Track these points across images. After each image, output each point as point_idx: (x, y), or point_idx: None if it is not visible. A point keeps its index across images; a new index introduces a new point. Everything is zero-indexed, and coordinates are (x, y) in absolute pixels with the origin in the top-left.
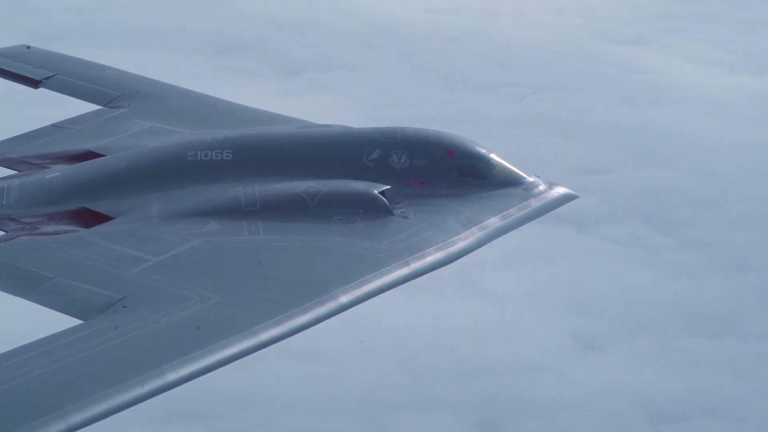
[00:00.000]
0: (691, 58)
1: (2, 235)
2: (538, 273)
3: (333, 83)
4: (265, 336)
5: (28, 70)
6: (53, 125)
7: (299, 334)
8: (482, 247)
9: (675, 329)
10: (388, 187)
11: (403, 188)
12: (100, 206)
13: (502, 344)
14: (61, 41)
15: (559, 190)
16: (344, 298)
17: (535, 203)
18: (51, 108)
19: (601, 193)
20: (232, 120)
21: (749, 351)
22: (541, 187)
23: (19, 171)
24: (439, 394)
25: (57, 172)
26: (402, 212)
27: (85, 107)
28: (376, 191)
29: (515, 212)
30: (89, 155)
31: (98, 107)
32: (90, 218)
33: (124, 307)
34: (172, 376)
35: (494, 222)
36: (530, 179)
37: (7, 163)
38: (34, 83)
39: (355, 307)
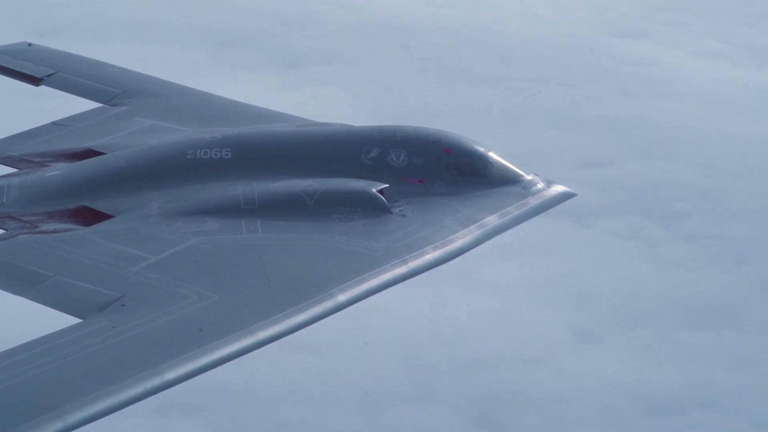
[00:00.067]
0: (692, 52)
1: (2, 234)
2: (537, 266)
3: (333, 77)
4: (263, 335)
5: (29, 67)
6: (54, 123)
7: None
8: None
9: (673, 322)
10: (387, 185)
11: (401, 186)
12: (100, 204)
13: (500, 337)
14: (61, 35)
15: (558, 188)
16: (342, 297)
17: (533, 201)
18: (53, 101)
19: (600, 185)
20: (233, 118)
21: (747, 344)
22: (540, 185)
23: (20, 169)
24: (436, 387)
25: (57, 170)
26: (400, 211)
27: (86, 105)
28: (374, 190)
29: (513, 210)
30: (89, 153)
31: (99, 105)
32: (89, 216)
33: (122, 305)
34: (170, 375)
35: (492, 220)
36: (528, 177)
37: (7, 161)
38: (35, 81)
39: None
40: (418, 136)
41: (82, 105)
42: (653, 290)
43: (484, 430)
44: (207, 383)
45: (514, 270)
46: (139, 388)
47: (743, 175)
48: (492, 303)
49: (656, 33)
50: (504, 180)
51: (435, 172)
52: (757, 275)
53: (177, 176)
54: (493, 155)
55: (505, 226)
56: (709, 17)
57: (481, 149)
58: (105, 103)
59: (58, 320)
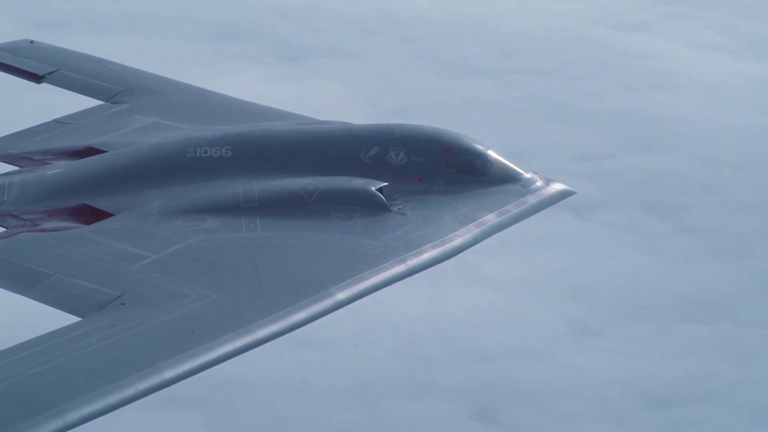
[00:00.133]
0: (692, 44)
1: (3, 232)
2: (536, 259)
3: (333, 70)
4: (261, 333)
5: (31, 65)
6: (55, 121)
7: None
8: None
9: (672, 316)
10: (386, 183)
11: (400, 185)
12: (100, 203)
13: (498, 331)
14: (62, 28)
15: (556, 186)
16: (341, 295)
17: (531, 199)
18: (54, 98)
19: (600, 179)
20: (233, 116)
21: (746, 337)
22: (538, 183)
23: (21, 167)
24: (434, 381)
25: (57, 168)
26: (399, 209)
27: (88, 102)
28: (373, 188)
29: (512, 209)
30: (90, 151)
31: (100, 102)
32: (90, 215)
33: (122, 304)
34: (169, 374)
35: (491, 218)
36: (527, 175)
37: (8, 159)
38: (36, 78)
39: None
40: (417, 134)
41: (84, 102)
42: (653, 283)
43: (482, 423)
44: (205, 378)
45: (513, 264)
46: (138, 387)
47: (743, 168)
48: (491, 297)
49: (656, 25)
50: (503, 178)
51: (434, 171)
52: (757, 268)
53: (177, 174)
54: (492, 153)
55: (504, 224)
56: (709, 10)
57: (480, 147)
58: (106, 101)
59: (58, 319)
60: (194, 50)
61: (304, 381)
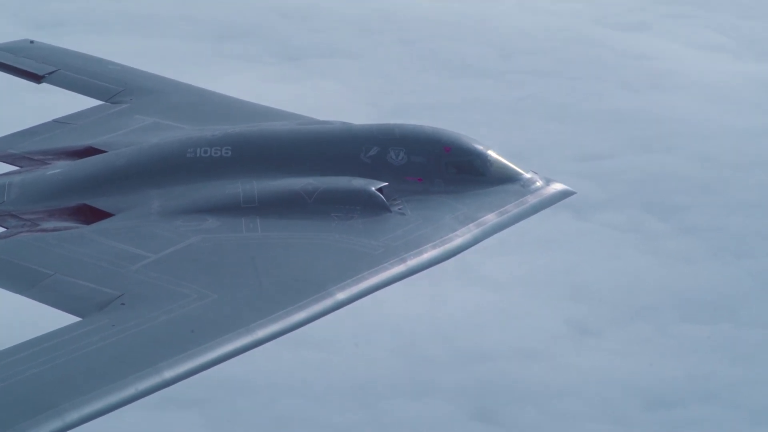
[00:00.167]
0: (692, 44)
1: (3, 232)
2: (536, 259)
3: (333, 70)
4: (261, 333)
5: (31, 65)
6: (55, 121)
7: None
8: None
9: (672, 315)
10: (386, 183)
11: (400, 185)
12: (100, 203)
13: (498, 331)
14: (61, 28)
15: (556, 186)
16: (341, 295)
17: (531, 200)
18: (54, 98)
19: (600, 179)
20: (233, 116)
21: (746, 337)
22: (538, 184)
23: (21, 167)
24: (434, 381)
25: (57, 168)
26: (399, 209)
27: (88, 102)
28: (373, 188)
29: (512, 209)
30: (90, 151)
31: (100, 102)
32: (90, 215)
33: (122, 304)
34: (169, 374)
35: (491, 218)
36: (527, 175)
37: (8, 159)
38: (36, 78)
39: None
40: (418, 134)
41: (84, 102)
42: (653, 283)
43: (482, 423)
44: (205, 378)
45: (513, 264)
46: (138, 387)
47: (743, 168)
48: (491, 297)
49: (656, 25)
50: (503, 178)
51: (434, 171)
52: (757, 268)
53: (177, 174)
54: (492, 153)
55: (504, 225)
56: (709, 10)
57: (480, 147)
58: (106, 101)
59: (58, 319)
60: (194, 50)
61: (304, 381)
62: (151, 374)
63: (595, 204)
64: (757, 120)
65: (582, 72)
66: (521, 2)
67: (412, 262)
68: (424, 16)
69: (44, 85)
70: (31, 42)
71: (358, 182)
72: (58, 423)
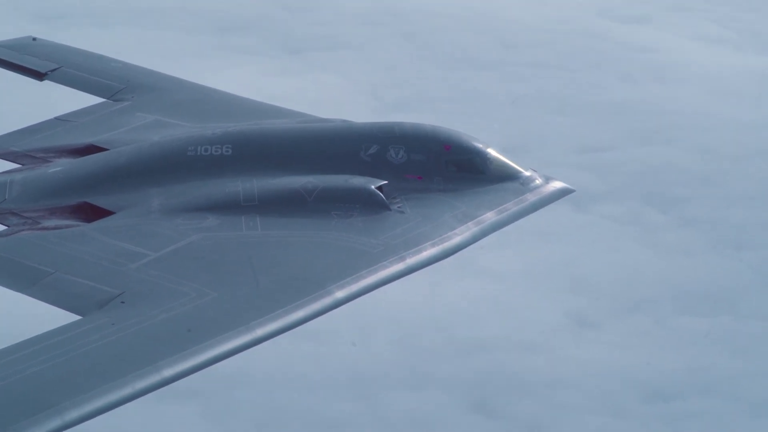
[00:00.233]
0: (694, 37)
1: (4, 230)
2: (535, 251)
3: (334, 63)
4: (261, 332)
5: (33, 62)
6: (57, 118)
7: None
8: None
9: (672, 308)
10: (386, 182)
11: (400, 183)
12: (101, 201)
13: (497, 323)
14: (63, 21)
15: (556, 185)
16: (340, 294)
17: (531, 198)
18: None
19: (600, 171)
20: (234, 113)
21: (746, 330)
22: (538, 182)
23: (23, 164)
24: (433, 373)
25: (59, 166)
26: (399, 207)
27: (90, 100)
28: (373, 186)
29: (511, 207)
30: (91, 149)
31: (102, 100)
32: (91, 213)
33: (122, 303)
34: (168, 372)
35: (490, 217)
36: (527, 173)
37: (10, 157)
38: (39, 76)
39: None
40: (417, 132)
41: (86, 100)
42: (652, 276)
43: (481, 415)
44: (203, 370)
45: (512, 256)
46: (137, 386)
47: (743, 160)
48: (490, 289)
49: (658, 18)
50: (502, 176)
51: (434, 169)
52: (757, 260)
53: (178, 173)
54: (491, 151)
55: (503, 223)
56: (711, 2)
57: (480, 145)
58: (108, 98)
59: (58, 317)
60: (195, 43)
61: (302, 373)
62: (150, 372)
63: (594, 196)
64: (757, 112)
65: (583, 64)
66: None
67: (412, 261)
68: (425, 8)
69: (46, 83)
70: (34, 39)
71: (357, 180)
72: (57, 422)
